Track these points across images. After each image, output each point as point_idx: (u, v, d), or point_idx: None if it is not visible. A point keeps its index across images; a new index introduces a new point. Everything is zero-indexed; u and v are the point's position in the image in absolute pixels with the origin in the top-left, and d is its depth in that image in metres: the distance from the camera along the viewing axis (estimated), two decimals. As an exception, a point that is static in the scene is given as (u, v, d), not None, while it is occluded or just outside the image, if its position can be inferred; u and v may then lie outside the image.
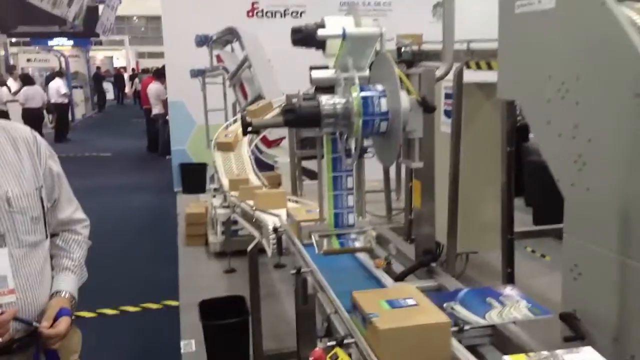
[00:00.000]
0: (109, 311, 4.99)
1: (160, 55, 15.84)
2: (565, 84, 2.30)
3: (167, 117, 12.05)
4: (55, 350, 1.94)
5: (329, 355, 1.76)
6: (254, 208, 3.78)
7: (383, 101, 1.96)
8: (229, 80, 9.20)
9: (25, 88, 14.38)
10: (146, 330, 4.71)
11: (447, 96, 5.00)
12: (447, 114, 5.03)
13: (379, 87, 1.99)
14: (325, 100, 1.99)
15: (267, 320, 3.86)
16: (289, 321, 4.67)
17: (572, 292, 2.34)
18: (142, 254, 6.48)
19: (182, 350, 4.32)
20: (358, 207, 2.48)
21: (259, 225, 3.73)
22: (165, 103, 12.22)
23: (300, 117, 1.95)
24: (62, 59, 21.50)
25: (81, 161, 13.08)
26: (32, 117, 13.24)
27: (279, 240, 3.16)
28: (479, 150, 4.98)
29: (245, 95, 9.29)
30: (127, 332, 4.68)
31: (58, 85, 15.72)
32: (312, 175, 9.02)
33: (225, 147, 6.74)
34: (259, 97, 9.29)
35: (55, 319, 1.92)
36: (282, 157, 8.32)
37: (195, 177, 9.27)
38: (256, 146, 7.96)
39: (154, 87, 12.45)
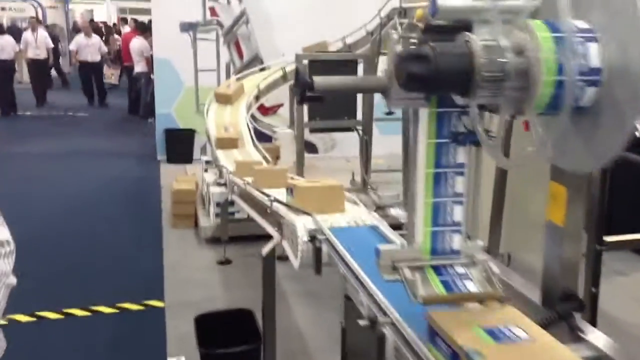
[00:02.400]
0: (78, 312, 4.04)
1: (144, 12, 14.62)
2: None
3: (151, 76, 11.04)
4: None
5: None
6: (271, 199, 2.83)
7: (593, 49, 1.03)
8: (223, 36, 8.20)
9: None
10: (124, 338, 3.78)
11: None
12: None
13: (580, 24, 1.06)
14: (483, 42, 1.05)
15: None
16: (302, 335, 3.78)
17: None
18: (120, 236, 5.50)
19: (169, 370, 3.42)
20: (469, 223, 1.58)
21: (277, 222, 2.80)
22: (149, 60, 11.19)
23: (439, 74, 1.01)
24: (39, 9, 20.04)
25: (53, 120, 11.96)
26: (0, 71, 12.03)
27: (317, 254, 2.23)
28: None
29: (240, 55, 8.34)
30: (100, 340, 3.75)
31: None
32: (311, 148, 8.05)
33: (228, 143, 5.40)
34: (256, 58, 8.35)
35: None
36: (281, 127, 7.38)
37: (181, 145, 8.30)
38: (251, 114, 6.90)
39: (137, 43, 11.36)
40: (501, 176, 4.06)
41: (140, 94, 12.00)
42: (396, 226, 2.46)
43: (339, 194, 2.57)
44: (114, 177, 7.58)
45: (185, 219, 5.56)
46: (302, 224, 2.43)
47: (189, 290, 4.29)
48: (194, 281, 4.45)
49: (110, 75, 15.25)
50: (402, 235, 1.89)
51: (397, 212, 4.97)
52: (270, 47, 8.28)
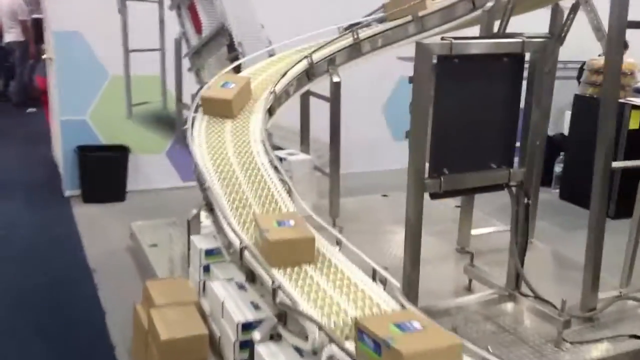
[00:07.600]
0: None
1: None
2: None
3: (29, 49, 7.85)
4: None
5: None
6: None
7: None
8: (171, -3, 5.17)
9: None
10: None
11: None
12: None
13: None
14: None
15: None
16: None
17: None
18: None
19: None
20: None
21: None
22: (26, 27, 7.85)
23: None
24: None
25: None
26: None
27: None
28: None
29: (198, 27, 5.40)
30: None
31: None
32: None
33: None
34: (222, 32, 5.51)
35: None
36: (292, 150, 4.42)
37: (106, 171, 5.18)
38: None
39: (6, 1, 7.89)
40: None
41: (12, 73, 8.54)
42: None
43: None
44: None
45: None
46: None
47: None
48: None
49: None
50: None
51: None
52: (245, 15, 5.42)
